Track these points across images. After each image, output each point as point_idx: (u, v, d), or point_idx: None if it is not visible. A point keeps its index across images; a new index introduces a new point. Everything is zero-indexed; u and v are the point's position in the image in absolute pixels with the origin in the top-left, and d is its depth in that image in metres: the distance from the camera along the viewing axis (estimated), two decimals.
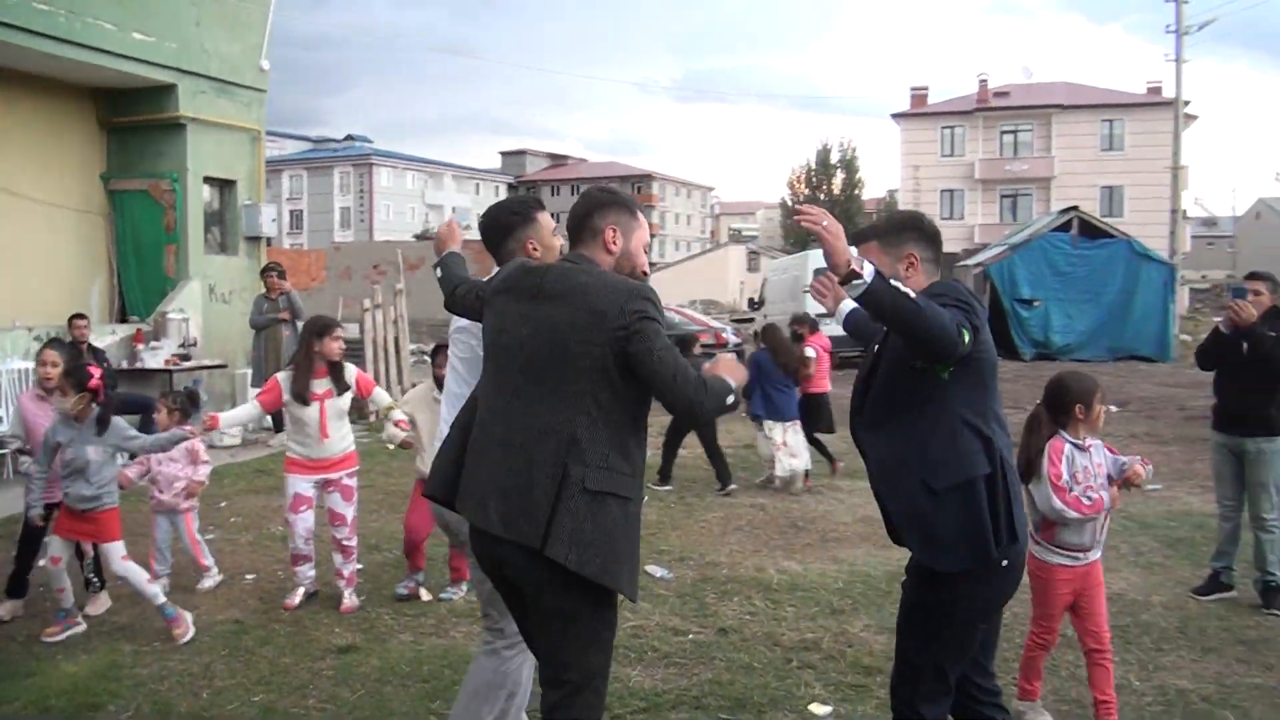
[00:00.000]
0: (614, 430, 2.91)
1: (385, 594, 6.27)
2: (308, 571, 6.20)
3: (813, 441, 10.14)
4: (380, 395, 6.46)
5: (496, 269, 3.78)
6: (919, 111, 56.13)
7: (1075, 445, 4.26)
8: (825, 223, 2.88)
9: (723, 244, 76.05)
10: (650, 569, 6.73)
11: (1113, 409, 15.59)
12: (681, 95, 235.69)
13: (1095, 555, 4.33)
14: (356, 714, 4.53)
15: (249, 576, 6.66)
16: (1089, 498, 4.17)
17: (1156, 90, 50.41)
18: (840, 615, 5.84)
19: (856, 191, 80.00)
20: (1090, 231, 26.12)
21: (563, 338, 2.92)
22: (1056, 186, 51.50)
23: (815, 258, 26.38)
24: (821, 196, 77.72)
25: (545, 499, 2.85)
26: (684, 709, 4.56)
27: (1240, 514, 6.19)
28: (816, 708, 4.55)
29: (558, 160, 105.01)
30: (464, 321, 3.83)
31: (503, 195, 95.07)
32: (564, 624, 2.95)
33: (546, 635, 3.02)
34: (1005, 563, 3.12)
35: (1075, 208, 28.00)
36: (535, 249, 3.79)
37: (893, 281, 2.91)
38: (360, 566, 6.58)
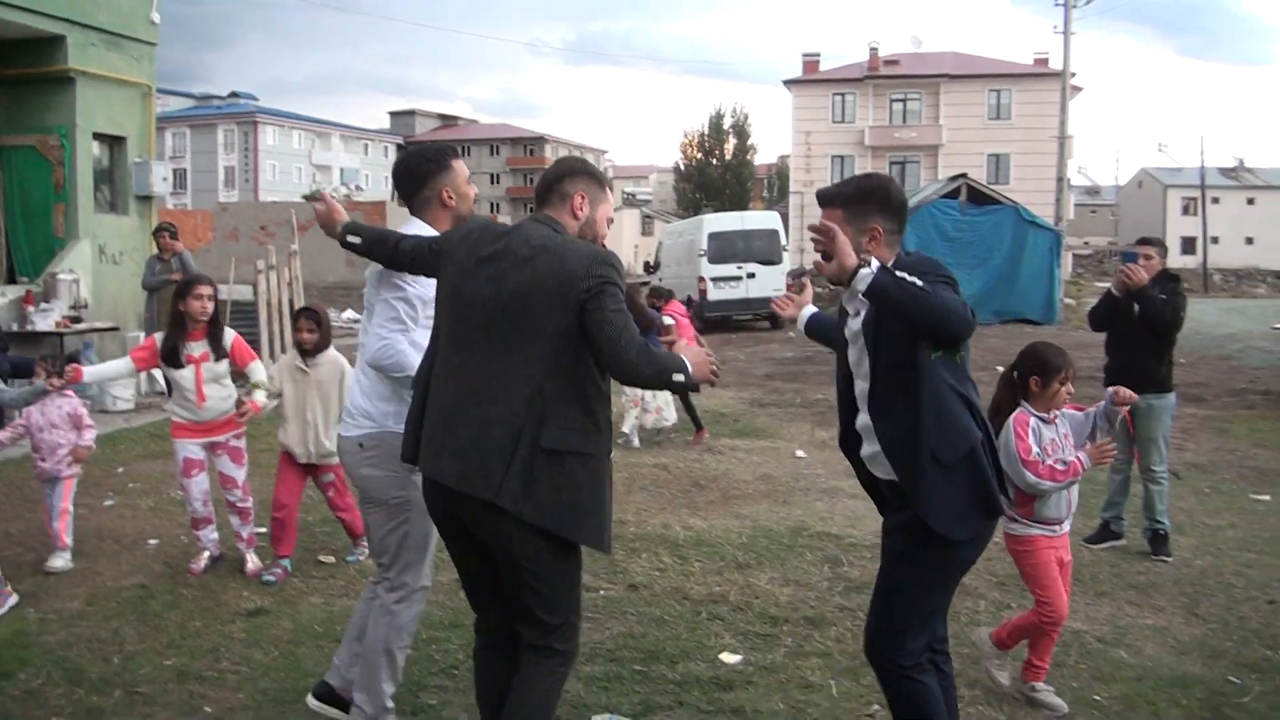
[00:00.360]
0: (577, 388, 2.98)
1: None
2: (210, 534, 6.11)
3: (685, 405, 10.36)
4: (255, 369, 6.18)
5: (416, 222, 3.79)
6: (811, 78, 56.74)
7: (1040, 418, 4.20)
8: (836, 230, 2.92)
9: (617, 207, 75.99)
10: None
11: (999, 369, 16.13)
12: (573, 57, 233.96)
13: (1067, 527, 4.30)
14: (271, 675, 4.53)
15: (151, 542, 6.56)
16: (1063, 462, 4.10)
17: (1043, 61, 51.86)
18: (746, 569, 6.01)
19: (748, 157, 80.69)
20: (978, 199, 26.82)
21: (529, 299, 2.97)
22: (944, 154, 52.65)
23: (710, 222, 26.64)
24: (714, 162, 78.29)
25: (501, 456, 2.93)
26: (599, 661, 4.67)
27: (1130, 467, 6.56)
28: (727, 656, 4.70)
29: (448, 121, 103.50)
30: (378, 270, 3.74)
31: (392, 156, 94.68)
32: (532, 571, 3.04)
33: (516, 582, 3.09)
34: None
35: (964, 175, 28.69)
36: (450, 197, 3.80)
37: (899, 274, 2.90)
38: (263, 530, 6.53)
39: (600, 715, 4.10)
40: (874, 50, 56.28)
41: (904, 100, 55.33)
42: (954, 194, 27.03)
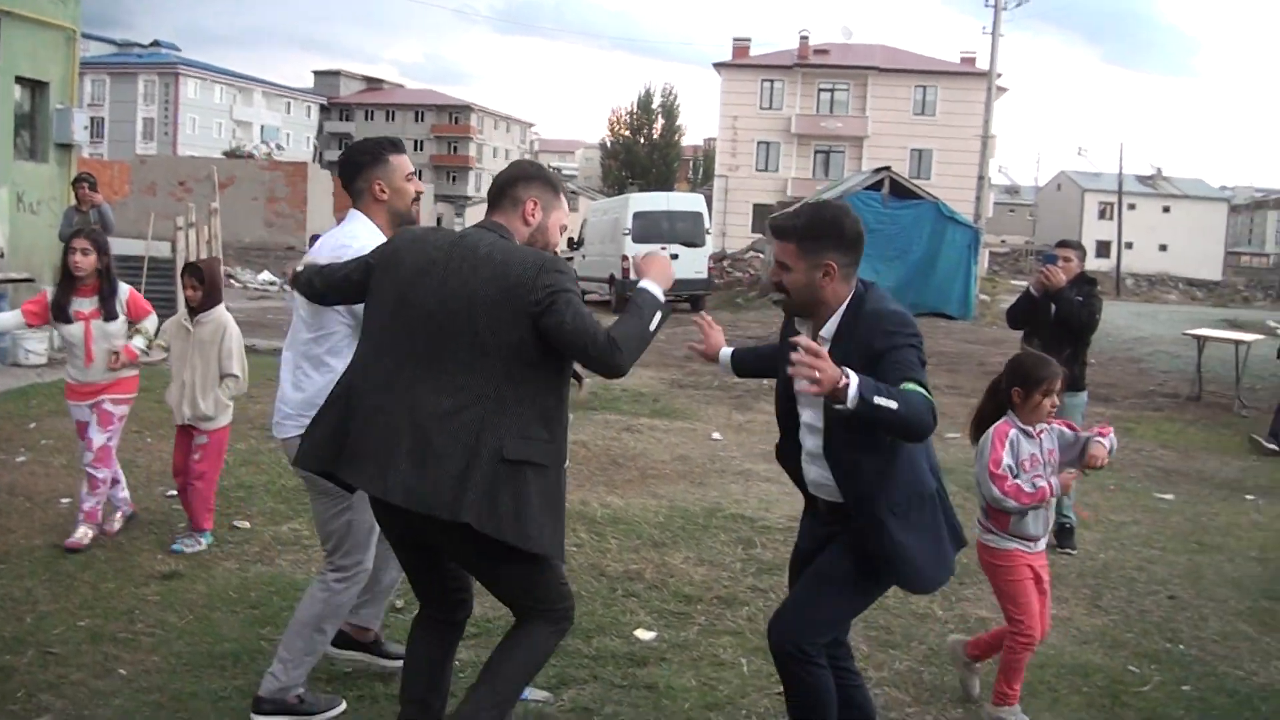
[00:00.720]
0: (531, 400, 2.96)
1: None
2: (119, 494, 6.03)
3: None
4: (148, 321, 5.90)
5: (355, 214, 3.81)
6: (740, 63, 56.98)
7: (1023, 431, 4.05)
8: (818, 373, 2.74)
9: None
10: None
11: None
12: (501, 26, 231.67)
13: (1043, 545, 4.15)
14: (186, 639, 4.52)
15: (64, 500, 6.46)
16: (1034, 485, 3.93)
17: (970, 61, 52.73)
18: (661, 548, 6.12)
19: (676, 138, 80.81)
20: (900, 192, 27.26)
21: (475, 311, 2.93)
22: (869, 146, 53.30)
23: (636, 201, 26.73)
24: (641, 140, 78.27)
25: (455, 470, 2.88)
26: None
27: None
28: (641, 633, 4.80)
29: (373, 84, 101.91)
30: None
31: (314, 116, 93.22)
32: (499, 574, 3.12)
33: (489, 583, 3.19)
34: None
35: (888, 168, 29.14)
36: (383, 191, 3.78)
37: (876, 400, 2.79)
38: (175, 493, 6.50)
39: None
40: (804, 39, 56.68)
41: (832, 90, 55.84)
42: (877, 186, 27.44)
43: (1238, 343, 12.42)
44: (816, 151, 55.40)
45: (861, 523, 3.19)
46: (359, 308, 3.39)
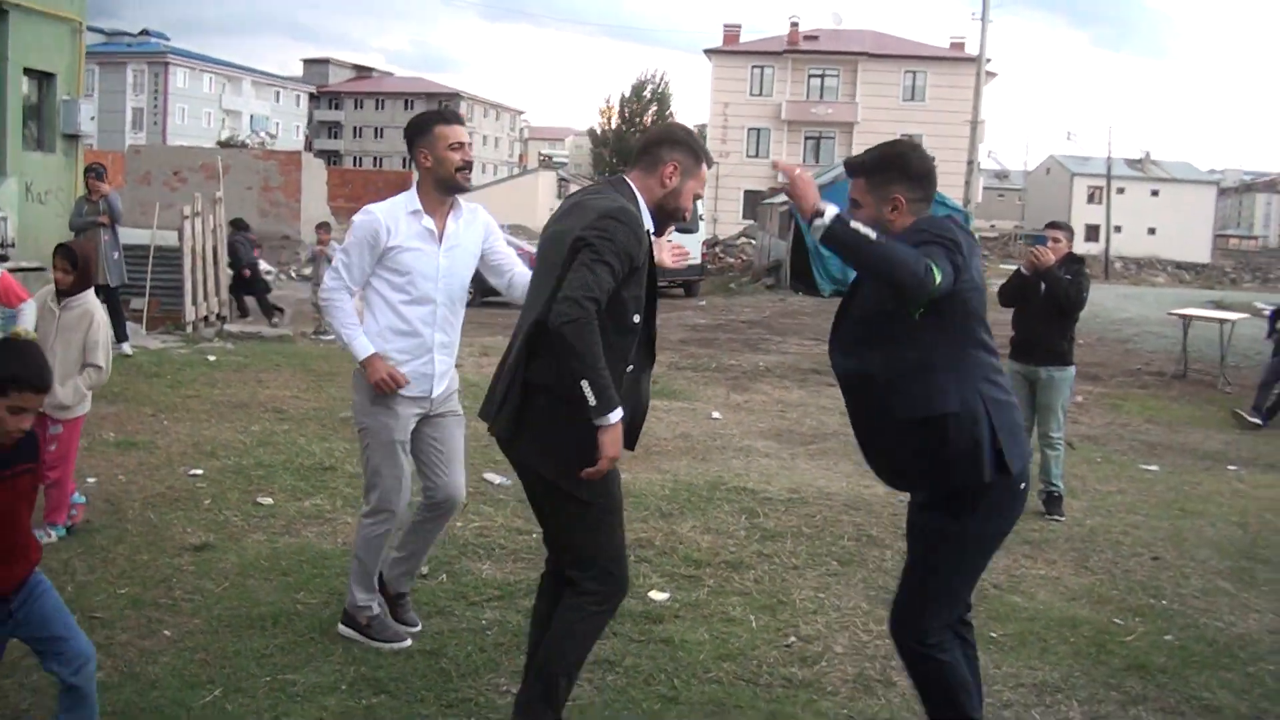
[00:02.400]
0: None
1: (231, 497, 6.41)
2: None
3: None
4: (25, 313, 5.64)
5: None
6: (731, 49, 57.12)
7: None
8: (798, 172, 3.00)
9: (533, 169, 75.59)
10: (489, 476, 7.10)
11: None
12: (489, 13, 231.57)
13: None
14: (224, 603, 4.76)
15: (90, 480, 6.68)
16: None
17: (959, 46, 53.01)
18: (669, 518, 6.37)
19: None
20: None
21: (551, 246, 3.26)
22: (859, 132, 53.45)
23: None
24: (633, 129, 78.24)
25: (501, 385, 3.26)
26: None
27: (1030, 433, 7.07)
28: (655, 594, 5.06)
29: (363, 73, 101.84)
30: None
31: (304, 104, 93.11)
32: (540, 506, 3.41)
33: (538, 515, 3.51)
34: (1022, 485, 3.25)
35: None
36: (427, 159, 4.15)
37: (853, 224, 2.92)
38: (199, 472, 6.74)
39: None
40: (794, 25, 56.86)
41: (822, 76, 56.03)
42: None
43: (1222, 322, 12.70)
44: (807, 138, 55.60)
45: (871, 432, 3.25)
46: None
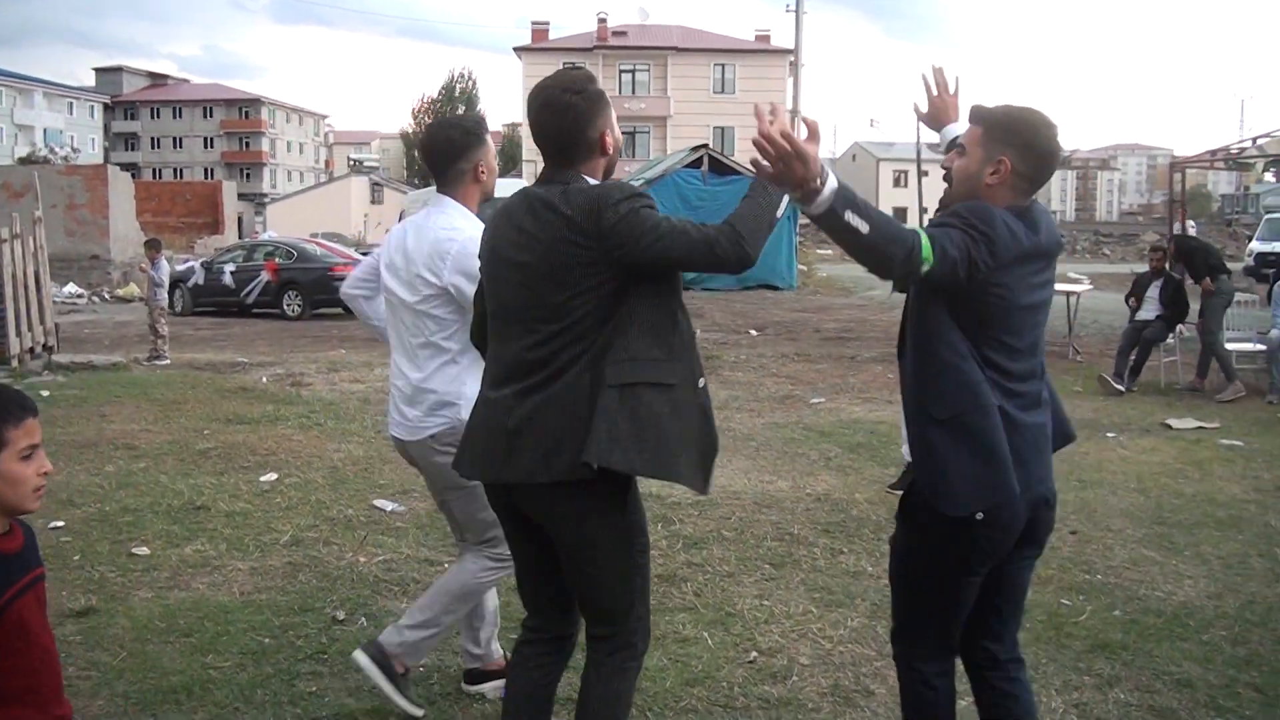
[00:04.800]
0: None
1: (101, 550, 5.80)
2: None
3: None
4: None
5: (447, 200, 3.72)
6: (540, 46, 56.97)
7: None
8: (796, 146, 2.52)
9: (343, 175, 73.76)
10: (379, 503, 6.68)
11: (753, 333, 16.88)
12: (279, 14, 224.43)
13: None
14: (126, 679, 4.21)
15: None
16: None
17: (765, 38, 54.20)
18: None
19: None
20: (719, 169, 27.83)
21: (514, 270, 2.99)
22: (673, 125, 54.17)
23: None
24: None
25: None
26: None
27: None
28: None
29: (157, 80, 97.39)
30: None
31: (99, 116, 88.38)
32: (581, 549, 2.87)
33: (569, 567, 2.94)
34: (980, 516, 2.77)
35: (705, 146, 29.67)
36: (484, 172, 3.70)
37: (846, 216, 2.56)
38: (61, 524, 6.10)
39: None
40: (602, 21, 57.06)
41: (633, 71, 56.47)
42: (696, 164, 27.90)
43: (1068, 295, 13.19)
44: (622, 132, 55.61)
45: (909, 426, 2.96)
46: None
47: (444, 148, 3.67)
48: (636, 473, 2.74)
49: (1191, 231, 20.27)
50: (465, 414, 3.20)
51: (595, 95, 2.92)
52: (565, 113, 2.86)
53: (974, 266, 2.69)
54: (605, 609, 2.93)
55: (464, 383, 3.59)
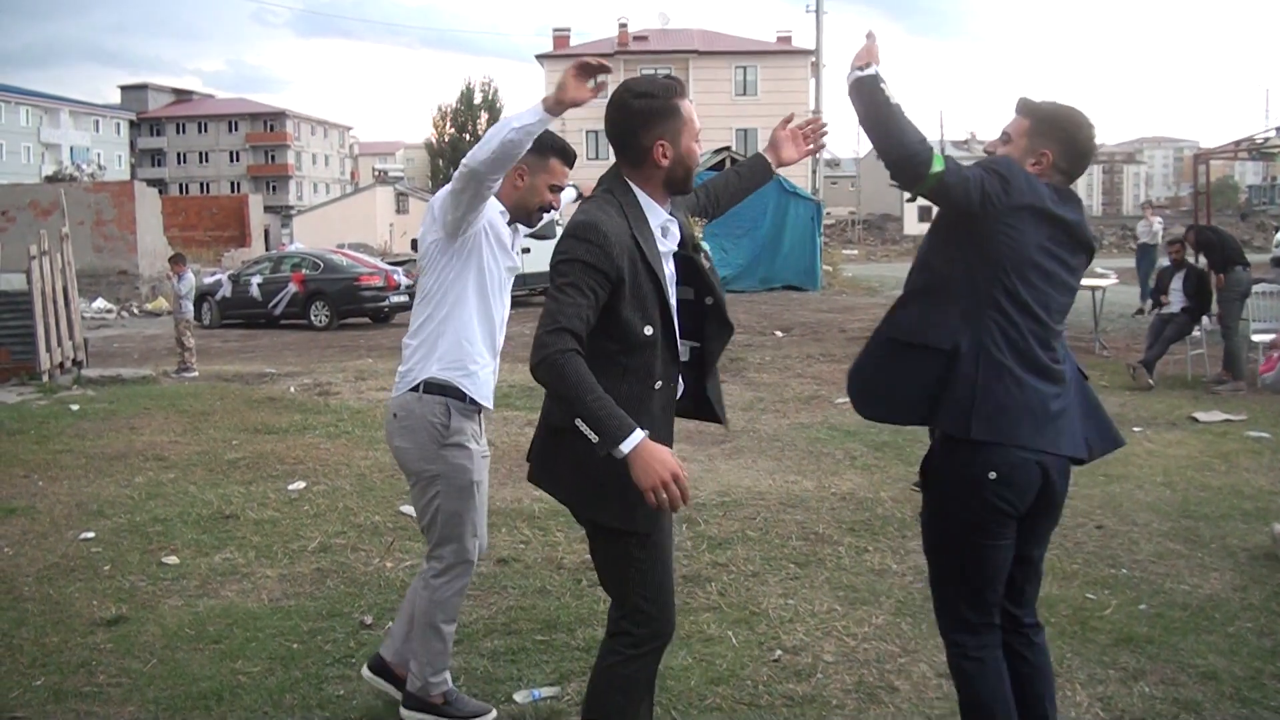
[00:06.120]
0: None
1: (131, 560, 5.88)
2: None
3: None
4: None
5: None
6: (562, 53, 56.91)
7: None
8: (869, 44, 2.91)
9: (368, 185, 74.09)
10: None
11: (778, 334, 16.85)
12: (302, 29, 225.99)
13: None
14: (156, 685, 4.28)
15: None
16: None
17: (786, 40, 54.07)
18: None
19: None
20: None
21: None
22: None
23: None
24: (467, 137, 77.51)
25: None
26: (497, 635, 4.68)
27: None
28: None
29: (182, 96, 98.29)
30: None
31: (124, 133, 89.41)
32: (591, 547, 3.08)
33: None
34: (993, 475, 2.86)
35: (728, 148, 29.70)
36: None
37: (883, 85, 2.83)
38: (91, 535, 6.21)
39: (521, 693, 4.10)
40: (623, 26, 57.08)
41: (654, 75, 56.42)
42: (719, 166, 27.86)
43: (1093, 289, 13.10)
44: None
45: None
46: None
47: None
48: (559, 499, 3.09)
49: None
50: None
51: (660, 104, 2.92)
52: (621, 114, 2.93)
53: (986, 196, 2.82)
54: (608, 592, 3.13)
55: None
